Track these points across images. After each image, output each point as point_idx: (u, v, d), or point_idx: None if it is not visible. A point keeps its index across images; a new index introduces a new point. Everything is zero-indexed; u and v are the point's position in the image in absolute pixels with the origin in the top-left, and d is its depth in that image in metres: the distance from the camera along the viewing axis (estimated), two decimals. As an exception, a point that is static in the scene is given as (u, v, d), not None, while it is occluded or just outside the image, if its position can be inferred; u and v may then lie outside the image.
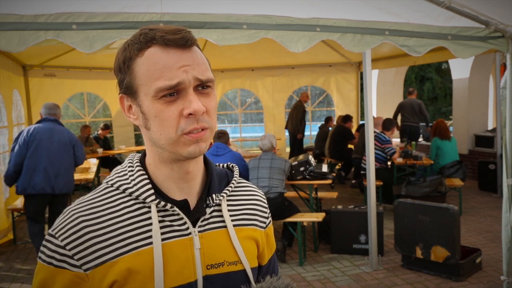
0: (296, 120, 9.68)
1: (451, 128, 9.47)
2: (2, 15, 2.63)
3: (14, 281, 4.60)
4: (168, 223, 0.91)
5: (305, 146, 10.49)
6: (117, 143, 9.77)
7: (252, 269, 0.98)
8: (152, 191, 0.90)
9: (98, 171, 7.30)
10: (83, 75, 8.89)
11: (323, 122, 10.03)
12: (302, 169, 5.38)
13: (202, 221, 0.94)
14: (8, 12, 2.64)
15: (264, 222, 1.07)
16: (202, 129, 0.86)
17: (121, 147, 9.29)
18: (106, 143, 9.31)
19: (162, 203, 0.89)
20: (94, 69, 8.80)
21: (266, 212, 1.08)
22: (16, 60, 7.23)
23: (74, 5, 2.76)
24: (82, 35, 2.75)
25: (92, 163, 7.43)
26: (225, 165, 1.09)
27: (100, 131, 9.27)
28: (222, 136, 5.08)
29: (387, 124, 7.09)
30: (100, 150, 8.43)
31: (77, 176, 6.31)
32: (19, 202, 6.11)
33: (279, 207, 4.75)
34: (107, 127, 9.39)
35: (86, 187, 7.25)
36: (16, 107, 7.29)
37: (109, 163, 8.66)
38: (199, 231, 0.93)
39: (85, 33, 2.75)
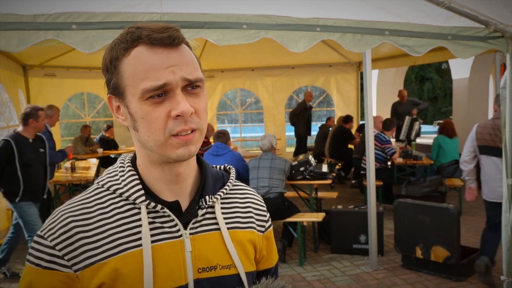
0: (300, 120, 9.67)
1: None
2: (2, 15, 2.62)
3: (14, 281, 4.61)
4: (159, 225, 0.88)
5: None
6: (118, 143, 9.78)
7: (247, 273, 0.95)
8: (142, 192, 0.88)
9: (98, 171, 7.29)
10: (83, 75, 8.87)
11: (323, 122, 10.02)
12: (302, 169, 5.38)
13: (193, 223, 0.91)
14: (8, 12, 2.63)
15: (263, 226, 1.04)
16: (192, 131, 0.84)
17: (121, 147, 9.29)
18: (115, 143, 9.31)
19: (152, 204, 0.87)
20: (94, 69, 8.78)
21: (265, 216, 1.05)
22: (16, 60, 7.22)
23: (74, 5, 2.76)
24: (82, 35, 2.74)
25: (92, 163, 7.42)
26: (222, 167, 1.07)
27: (107, 134, 9.20)
28: (222, 136, 5.08)
29: (387, 124, 7.08)
30: (100, 150, 8.41)
31: (77, 176, 6.33)
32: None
33: (279, 207, 4.75)
34: (109, 127, 9.38)
35: (86, 187, 7.24)
36: (23, 106, 7.30)
37: (108, 163, 8.66)
38: (190, 233, 0.90)
39: (85, 33, 2.75)
